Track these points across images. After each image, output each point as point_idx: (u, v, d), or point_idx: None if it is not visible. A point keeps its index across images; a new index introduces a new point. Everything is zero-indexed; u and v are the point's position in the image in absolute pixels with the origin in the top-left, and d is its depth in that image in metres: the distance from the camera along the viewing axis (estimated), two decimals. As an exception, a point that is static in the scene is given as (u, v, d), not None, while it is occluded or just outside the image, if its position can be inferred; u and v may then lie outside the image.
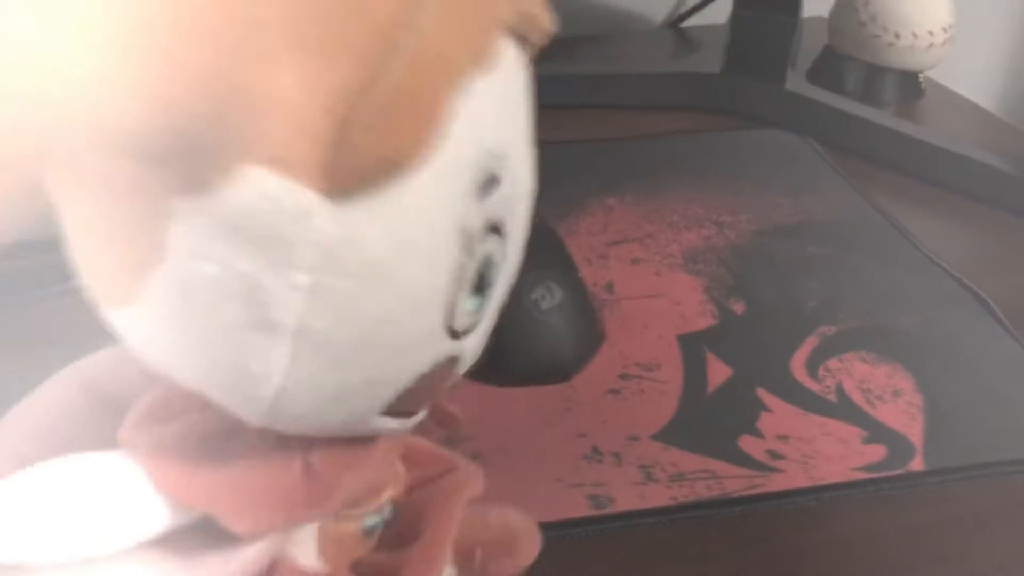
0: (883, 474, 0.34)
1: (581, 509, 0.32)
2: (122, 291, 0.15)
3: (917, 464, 0.35)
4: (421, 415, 0.19)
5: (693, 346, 0.40)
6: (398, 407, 0.18)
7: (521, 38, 0.18)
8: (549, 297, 0.37)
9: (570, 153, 0.55)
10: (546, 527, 0.31)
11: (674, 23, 0.76)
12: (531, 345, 0.37)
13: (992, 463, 0.35)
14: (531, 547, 0.25)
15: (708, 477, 0.34)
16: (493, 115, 0.17)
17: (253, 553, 0.18)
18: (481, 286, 0.17)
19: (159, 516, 0.18)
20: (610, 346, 0.40)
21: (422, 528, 0.22)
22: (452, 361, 0.18)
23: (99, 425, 0.19)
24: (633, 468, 0.34)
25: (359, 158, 0.14)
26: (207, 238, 0.14)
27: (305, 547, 0.20)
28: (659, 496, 0.33)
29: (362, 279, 0.15)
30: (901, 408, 0.37)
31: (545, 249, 0.39)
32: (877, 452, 0.35)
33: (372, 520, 0.21)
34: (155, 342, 0.16)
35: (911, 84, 0.65)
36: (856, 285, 0.45)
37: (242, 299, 0.15)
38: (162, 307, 0.15)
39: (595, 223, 0.49)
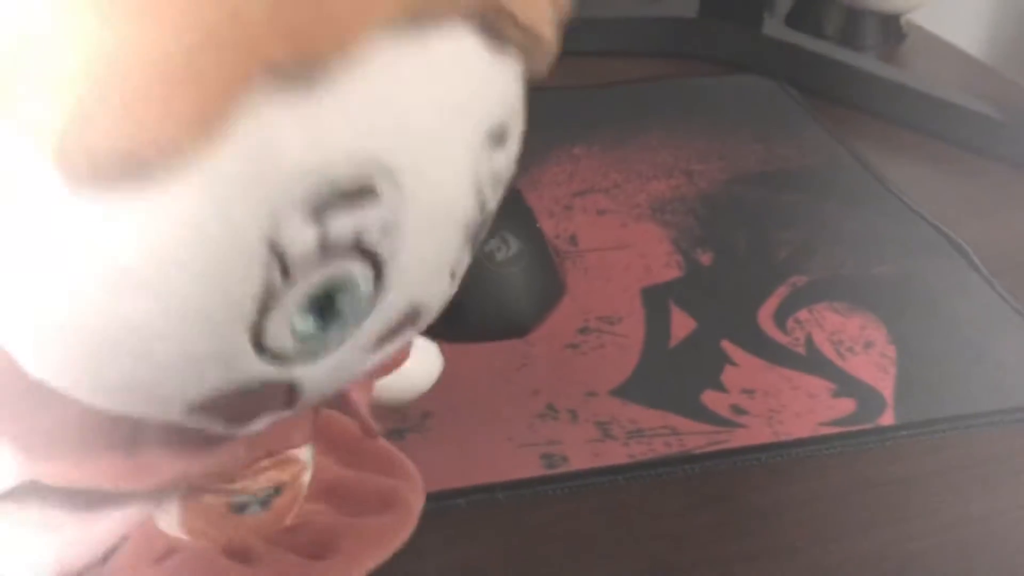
0: (851, 428, 0.33)
1: (533, 469, 0.31)
2: None
3: (887, 418, 0.33)
4: (263, 423, 0.16)
5: (657, 299, 0.38)
6: (215, 414, 0.15)
7: (492, 29, 0.15)
8: (504, 248, 0.36)
9: (537, 101, 0.53)
10: (495, 488, 0.30)
11: (650, -32, 0.73)
12: (485, 299, 0.35)
13: (964, 415, 0.33)
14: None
15: (668, 434, 0.32)
16: (368, 116, 0.13)
17: (121, 514, 0.17)
18: (327, 309, 0.14)
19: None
20: (571, 300, 0.38)
21: (333, 552, 0.20)
22: (286, 387, 0.15)
23: None
24: (589, 425, 0.32)
25: (93, 141, 0.11)
26: None
27: (169, 514, 0.18)
28: (615, 454, 0.31)
29: (107, 282, 0.12)
30: (873, 360, 0.36)
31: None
32: (846, 406, 0.34)
33: (241, 498, 0.19)
34: None
35: (892, 27, 0.63)
36: (830, 234, 0.43)
37: None
38: None
39: (560, 173, 0.47)
